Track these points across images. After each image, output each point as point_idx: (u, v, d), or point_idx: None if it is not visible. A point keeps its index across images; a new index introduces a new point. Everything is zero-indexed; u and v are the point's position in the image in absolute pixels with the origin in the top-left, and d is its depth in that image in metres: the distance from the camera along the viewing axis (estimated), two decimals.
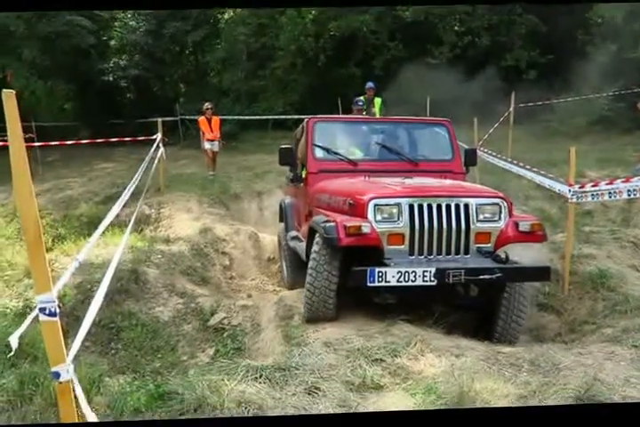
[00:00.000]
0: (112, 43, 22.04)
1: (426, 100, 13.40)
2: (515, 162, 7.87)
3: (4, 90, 1.96)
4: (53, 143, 9.27)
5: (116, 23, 21.70)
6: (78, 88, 20.53)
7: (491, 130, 11.65)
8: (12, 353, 3.44)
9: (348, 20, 17.74)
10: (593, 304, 5.56)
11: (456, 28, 18.37)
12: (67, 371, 2.16)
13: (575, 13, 16.32)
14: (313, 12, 19.02)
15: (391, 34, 18.29)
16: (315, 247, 4.62)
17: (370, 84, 10.99)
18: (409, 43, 17.55)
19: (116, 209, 4.81)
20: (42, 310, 2.10)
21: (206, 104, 12.46)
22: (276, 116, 18.04)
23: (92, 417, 2.26)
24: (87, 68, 19.15)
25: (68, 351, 2.28)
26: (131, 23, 21.86)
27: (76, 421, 2.25)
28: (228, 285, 7.28)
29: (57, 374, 2.14)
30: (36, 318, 3.35)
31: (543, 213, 8.34)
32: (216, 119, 12.38)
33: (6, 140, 2.02)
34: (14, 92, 1.96)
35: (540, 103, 13.71)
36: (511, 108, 11.99)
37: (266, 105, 19.02)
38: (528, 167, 7.42)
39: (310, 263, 4.62)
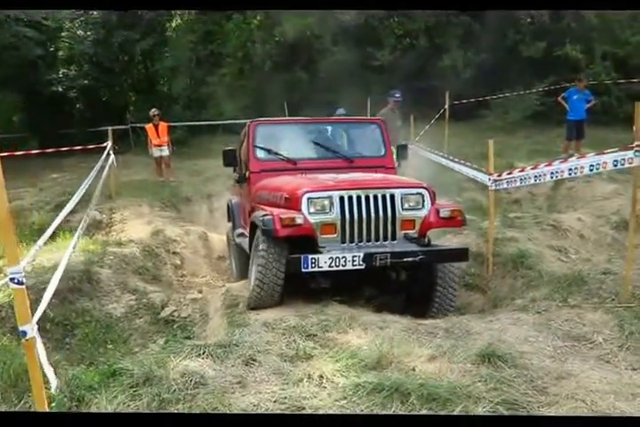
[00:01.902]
0: (60, 53, 21.87)
1: (367, 101, 13.92)
2: (445, 155, 8.39)
3: None
4: (4, 154, 9.36)
5: (63, 33, 21.48)
6: (27, 99, 20.40)
7: (427, 126, 12.22)
8: None
9: (292, 22, 18.03)
10: (513, 282, 6.05)
11: (395, 30, 18.92)
12: (32, 329, 2.57)
13: (505, 14, 17.03)
14: (258, 17, 19.39)
15: (334, 38, 18.75)
16: (262, 246, 4.87)
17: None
18: (351, 47, 18.01)
19: (62, 215, 5.10)
20: (12, 279, 2.51)
21: (153, 110, 12.65)
22: (223, 122, 18.14)
23: (49, 370, 2.65)
24: (35, 79, 19.03)
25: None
26: (79, 32, 21.67)
27: (39, 371, 2.64)
28: (180, 282, 7.60)
29: (24, 333, 2.56)
30: None
31: (475, 203, 8.88)
32: (163, 125, 12.62)
33: None
34: None
35: (473, 100, 14.37)
36: (446, 106, 12.54)
37: (215, 111, 19.25)
38: (456, 160, 7.96)
39: (259, 260, 4.85)
